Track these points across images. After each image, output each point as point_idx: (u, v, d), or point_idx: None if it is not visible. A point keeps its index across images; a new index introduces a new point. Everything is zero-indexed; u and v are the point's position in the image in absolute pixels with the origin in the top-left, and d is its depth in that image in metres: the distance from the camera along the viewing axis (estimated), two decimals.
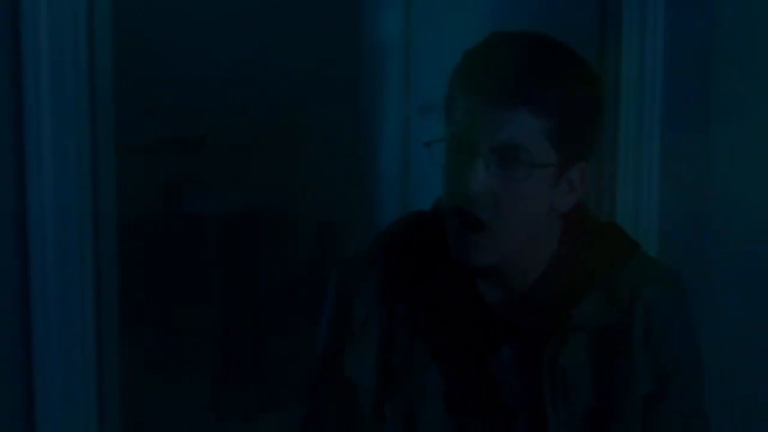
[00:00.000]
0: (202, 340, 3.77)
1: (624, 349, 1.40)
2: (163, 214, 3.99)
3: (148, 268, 3.68)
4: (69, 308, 1.72)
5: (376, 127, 3.46)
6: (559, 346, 1.39)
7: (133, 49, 2.92)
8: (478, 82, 1.31)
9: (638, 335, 1.40)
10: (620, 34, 1.86)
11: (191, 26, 3.93)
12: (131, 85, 2.51)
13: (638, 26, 1.87)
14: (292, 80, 3.80)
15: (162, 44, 3.88)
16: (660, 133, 1.92)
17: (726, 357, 1.95)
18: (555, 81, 1.29)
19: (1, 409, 1.76)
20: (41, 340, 1.71)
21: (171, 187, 4.00)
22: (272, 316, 3.83)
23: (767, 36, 2.03)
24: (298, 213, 3.98)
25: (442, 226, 1.40)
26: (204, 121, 3.95)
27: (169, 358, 3.71)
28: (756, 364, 2.11)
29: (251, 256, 3.84)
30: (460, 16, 3.36)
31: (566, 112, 1.29)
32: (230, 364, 3.64)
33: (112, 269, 1.85)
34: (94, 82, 1.72)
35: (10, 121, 1.69)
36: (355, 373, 1.44)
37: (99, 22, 1.74)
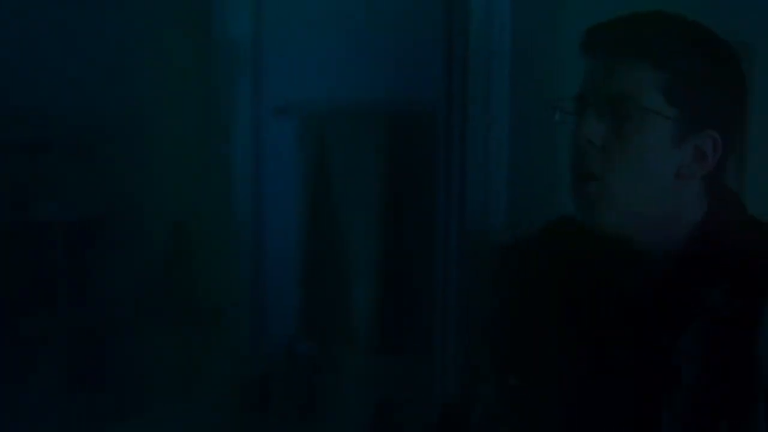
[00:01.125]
0: (49, 349, 3.65)
1: (748, 340, 1.36)
2: (9, 223, 3.85)
3: None
4: None
5: (228, 128, 3.41)
6: (677, 337, 1.37)
7: None
8: (593, 37, 1.33)
9: (765, 327, 1.35)
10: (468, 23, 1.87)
11: (34, 28, 3.80)
12: None
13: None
14: (141, 81, 3.71)
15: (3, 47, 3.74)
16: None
17: None
18: (670, 34, 1.33)
19: None
20: None
21: (16, 193, 3.85)
22: (123, 323, 3.73)
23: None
24: (150, 214, 3.89)
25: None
26: (49, 125, 3.82)
27: (15, 368, 3.57)
28: None
29: (101, 261, 3.73)
30: (313, 17, 3.35)
31: (682, 67, 1.31)
32: (78, 372, 3.54)
33: None
34: None
35: None
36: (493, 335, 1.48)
37: None
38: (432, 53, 1.98)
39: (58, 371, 3.53)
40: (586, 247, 1.44)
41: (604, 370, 1.41)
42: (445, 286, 2.00)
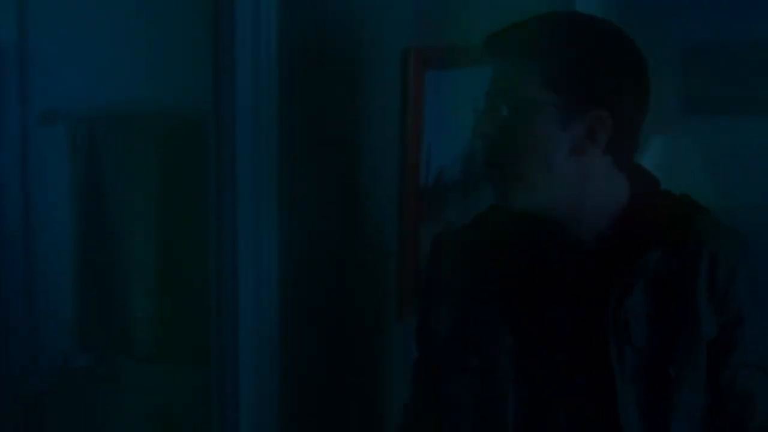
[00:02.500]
0: None
1: (687, 298, 1.53)
2: None
3: None
4: None
5: None
6: (622, 297, 1.52)
7: None
8: (490, 41, 1.53)
9: (701, 287, 1.53)
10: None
11: None
12: None
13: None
14: None
15: None
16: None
17: None
18: (548, 34, 1.50)
19: None
20: None
21: None
22: None
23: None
24: None
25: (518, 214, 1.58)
26: None
27: None
28: None
29: None
30: (80, 19, 3.25)
31: (563, 58, 1.48)
32: None
33: None
34: None
35: None
36: (434, 323, 1.67)
37: None
38: (201, 56, 1.96)
39: None
40: (526, 229, 1.60)
41: (558, 336, 1.56)
42: (219, 293, 1.97)
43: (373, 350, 2.31)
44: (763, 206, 4.45)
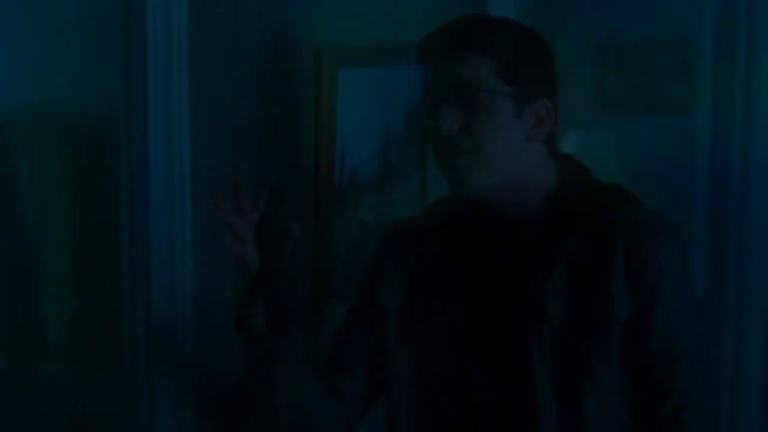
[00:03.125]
0: None
1: (603, 279, 1.62)
2: None
3: None
4: None
5: None
6: (543, 278, 1.63)
7: None
8: (433, 44, 1.64)
9: (618, 269, 1.62)
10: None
11: None
12: None
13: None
14: None
15: None
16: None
17: None
18: (494, 31, 1.64)
19: None
20: None
21: None
22: None
23: None
24: None
25: (460, 206, 1.72)
26: None
27: None
28: None
29: None
30: None
31: (509, 53, 1.62)
32: None
33: None
34: None
35: None
36: (383, 299, 1.77)
37: None
38: (112, 55, 1.94)
39: None
40: (463, 218, 1.73)
41: (485, 316, 1.69)
42: (133, 294, 1.96)
43: None
44: (673, 201, 4.54)
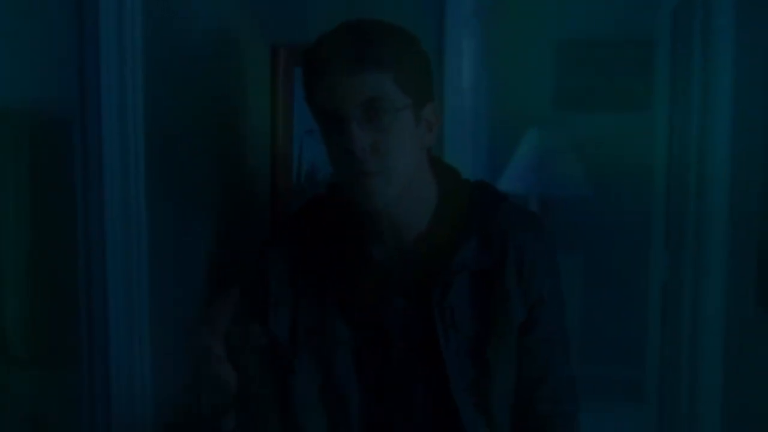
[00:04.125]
0: None
1: (500, 285, 1.69)
2: None
3: None
4: None
5: None
6: (445, 290, 1.66)
7: None
8: (330, 59, 1.58)
9: (511, 273, 1.69)
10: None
11: None
12: None
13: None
14: None
15: None
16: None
17: None
18: (389, 42, 1.59)
19: None
20: None
21: None
22: None
23: None
24: None
25: (336, 203, 1.72)
26: None
27: None
28: None
29: None
30: None
31: (404, 64, 1.60)
32: None
33: None
34: None
35: None
36: (275, 331, 1.70)
37: None
38: (65, 54, 1.92)
39: None
40: (344, 222, 1.71)
41: (391, 327, 1.69)
42: (88, 295, 1.94)
43: None
44: (631, 199, 4.58)
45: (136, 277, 1.91)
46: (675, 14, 3.91)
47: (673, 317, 3.92)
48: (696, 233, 3.63)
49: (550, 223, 1.87)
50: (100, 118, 1.84)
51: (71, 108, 1.91)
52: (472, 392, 1.70)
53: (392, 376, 1.70)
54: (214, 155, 2.10)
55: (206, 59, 2.04)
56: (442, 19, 3.10)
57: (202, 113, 2.04)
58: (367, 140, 1.59)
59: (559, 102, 4.80)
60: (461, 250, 1.67)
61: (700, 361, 3.61)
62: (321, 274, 1.71)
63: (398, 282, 1.69)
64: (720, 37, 3.51)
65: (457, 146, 3.34)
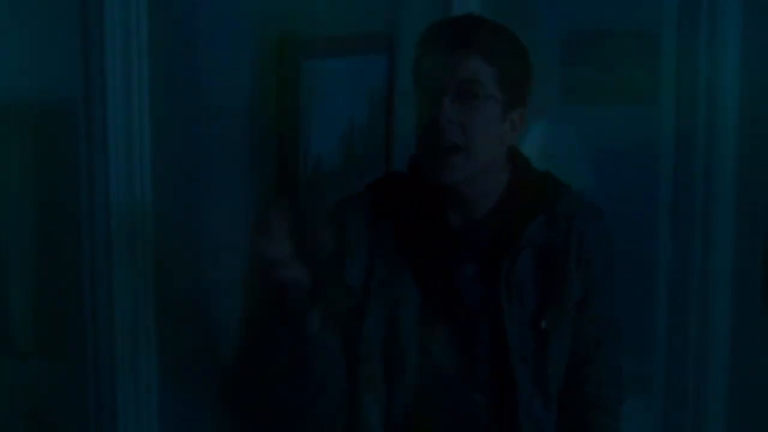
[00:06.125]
0: None
1: (561, 263, 1.84)
2: None
3: None
4: None
5: None
6: (513, 262, 1.81)
7: None
8: (442, 39, 1.76)
9: (572, 254, 1.84)
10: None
11: None
12: None
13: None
14: None
15: None
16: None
17: None
18: (499, 42, 1.78)
19: None
20: None
21: None
22: None
23: None
24: None
25: (415, 175, 1.84)
26: None
27: None
28: None
29: None
30: None
31: (507, 64, 1.77)
32: None
33: None
34: None
35: None
36: (350, 279, 1.80)
37: None
38: (69, 45, 1.92)
39: None
40: (422, 191, 1.83)
41: (457, 292, 1.82)
42: (93, 286, 1.94)
43: None
44: (637, 190, 4.56)
45: (142, 268, 1.91)
46: (681, 6, 3.90)
47: (680, 310, 3.92)
48: (703, 227, 3.61)
49: None
50: (105, 109, 1.85)
51: (76, 99, 1.91)
52: (529, 364, 1.82)
53: (453, 339, 1.82)
54: (219, 146, 2.09)
55: (212, 50, 2.03)
56: (449, 12, 3.08)
57: (207, 104, 2.03)
58: (454, 114, 1.73)
59: (565, 95, 4.79)
60: (529, 228, 1.82)
61: (707, 354, 3.61)
62: (397, 235, 1.83)
63: (470, 250, 1.82)
64: (726, 28, 3.49)
65: None
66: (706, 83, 3.62)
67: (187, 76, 1.98)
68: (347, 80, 2.57)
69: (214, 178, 2.08)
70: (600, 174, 4.63)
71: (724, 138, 3.53)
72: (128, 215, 1.89)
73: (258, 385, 1.62)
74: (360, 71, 2.61)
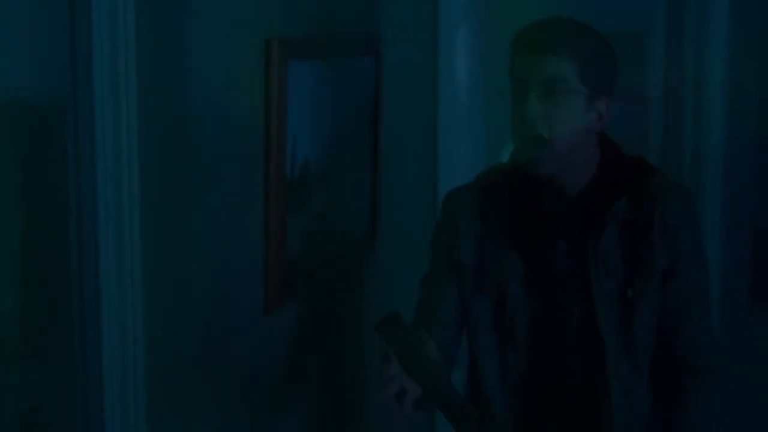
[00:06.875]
0: None
1: (645, 237, 2.00)
2: None
3: None
4: None
5: None
6: (598, 236, 1.99)
7: None
8: (528, 40, 1.96)
9: (658, 229, 2.00)
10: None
11: None
12: None
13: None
14: None
15: None
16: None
17: None
18: (580, 39, 1.96)
19: None
20: None
21: None
22: None
23: None
24: None
25: (514, 167, 2.03)
26: None
27: None
28: None
29: None
30: None
31: (587, 57, 1.94)
32: None
33: None
34: None
35: None
36: (462, 257, 2.09)
37: None
38: (57, 45, 1.91)
39: None
40: (519, 180, 2.03)
41: (554, 266, 2.02)
42: (81, 288, 1.94)
43: (241, 345, 2.29)
44: None
45: (129, 270, 1.91)
46: (669, 6, 3.91)
47: None
48: None
49: None
50: (92, 110, 1.83)
51: (64, 99, 1.90)
52: (618, 330, 2.00)
53: (553, 306, 2.03)
54: (207, 147, 2.09)
55: (199, 51, 2.03)
56: (436, 14, 3.08)
57: (195, 105, 2.03)
58: (540, 110, 1.91)
59: None
60: (614, 206, 1.99)
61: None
62: (501, 219, 2.06)
63: (562, 229, 2.01)
64: (713, 28, 3.51)
65: (453, 140, 3.33)
66: (693, 82, 3.63)
67: (175, 77, 1.97)
68: (335, 82, 2.57)
69: (201, 179, 2.08)
70: None
71: (711, 136, 3.54)
72: (116, 217, 1.88)
73: None
74: (347, 73, 2.61)
